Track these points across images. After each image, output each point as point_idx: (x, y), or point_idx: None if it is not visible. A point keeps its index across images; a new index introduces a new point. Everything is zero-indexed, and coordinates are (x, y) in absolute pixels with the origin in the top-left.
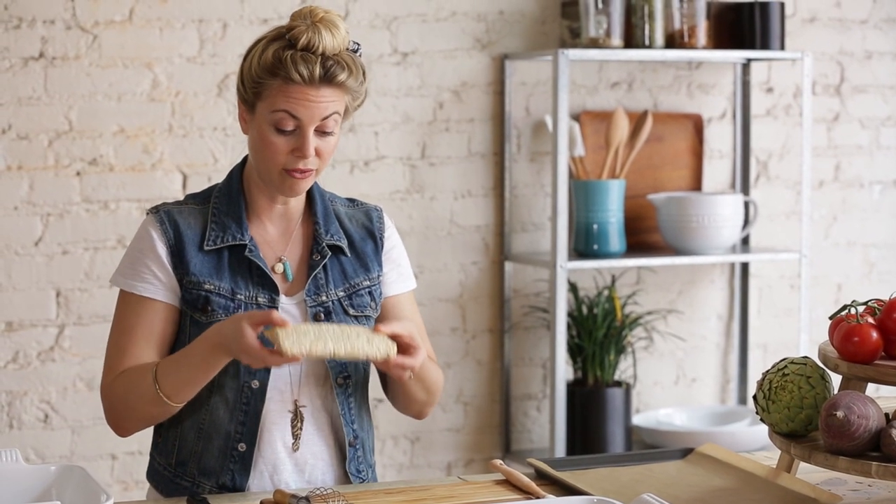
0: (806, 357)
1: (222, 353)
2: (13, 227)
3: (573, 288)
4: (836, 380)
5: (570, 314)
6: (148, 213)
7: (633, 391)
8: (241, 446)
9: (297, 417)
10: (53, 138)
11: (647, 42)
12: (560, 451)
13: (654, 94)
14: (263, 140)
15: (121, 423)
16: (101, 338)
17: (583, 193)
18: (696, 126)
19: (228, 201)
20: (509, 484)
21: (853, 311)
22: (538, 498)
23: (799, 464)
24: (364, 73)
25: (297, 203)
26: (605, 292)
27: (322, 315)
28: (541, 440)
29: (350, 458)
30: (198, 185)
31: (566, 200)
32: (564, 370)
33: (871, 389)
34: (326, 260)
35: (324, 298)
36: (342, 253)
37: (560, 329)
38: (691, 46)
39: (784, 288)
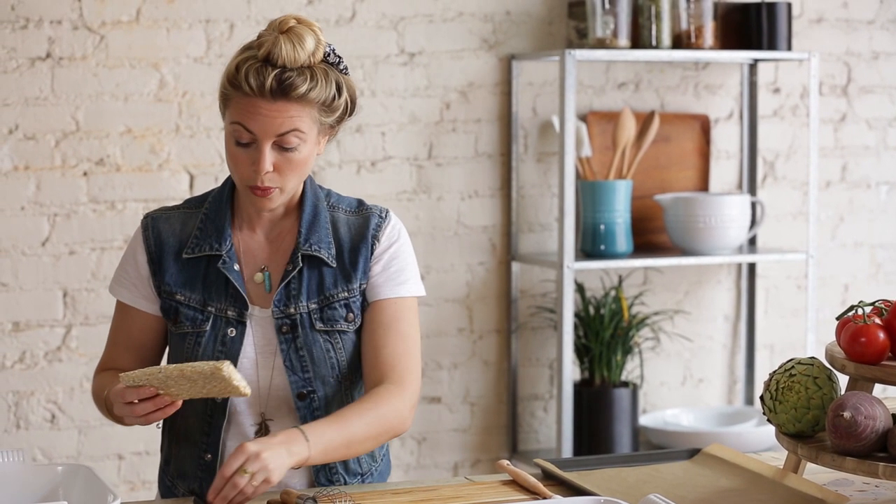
0: (813, 358)
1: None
2: (20, 228)
3: (580, 288)
4: (843, 380)
5: (577, 314)
6: (142, 219)
7: (640, 391)
8: (208, 456)
9: (261, 430)
10: (60, 138)
11: (654, 42)
12: (567, 451)
13: (661, 95)
14: (228, 152)
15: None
16: None
17: (590, 194)
18: (703, 126)
19: (217, 208)
20: (516, 484)
21: (860, 311)
22: (545, 498)
23: (806, 464)
24: (341, 86)
25: (287, 209)
26: (612, 293)
27: (287, 328)
28: (548, 440)
29: (318, 468)
30: (205, 186)
31: (573, 201)
32: (571, 370)
33: (878, 390)
34: (296, 271)
35: (292, 311)
36: (323, 264)
37: (567, 329)
38: (698, 47)
39: (791, 288)
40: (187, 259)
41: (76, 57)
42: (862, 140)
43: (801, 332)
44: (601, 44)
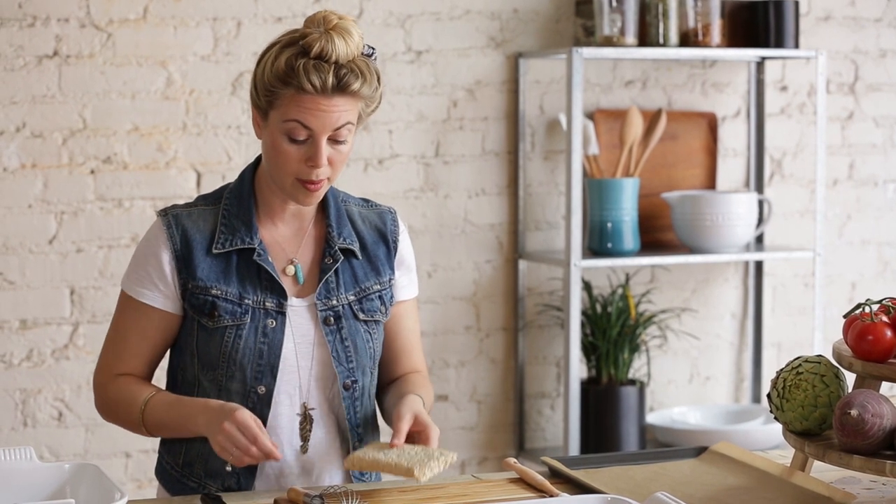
0: (820, 356)
1: (200, 429)
2: (27, 226)
3: (587, 286)
4: (850, 378)
5: (583, 312)
6: (157, 216)
7: (647, 389)
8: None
9: (305, 420)
10: (67, 136)
11: (661, 40)
12: (574, 449)
13: (668, 93)
14: (276, 149)
15: (106, 418)
16: None
17: (597, 192)
18: (711, 124)
19: (239, 203)
20: (523, 482)
21: (867, 309)
22: (552, 496)
23: (813, 462)
24: (379, 79)
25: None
26: (619, 291)
27: (332, 319)
28: (555, 438)
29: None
30: (212, 184)
31: (580, 199)
32: (578, 368)
33: (886, 388)
34: (339, 264)
35: (334, 302)
36: (353, 256)
37: (574, 327)
38: (705, 45)
39: (798, 286)
40: (217, 254)
41: (83, 55)
42: (869, 138)
43: (809, 330)
44: (608, 42)
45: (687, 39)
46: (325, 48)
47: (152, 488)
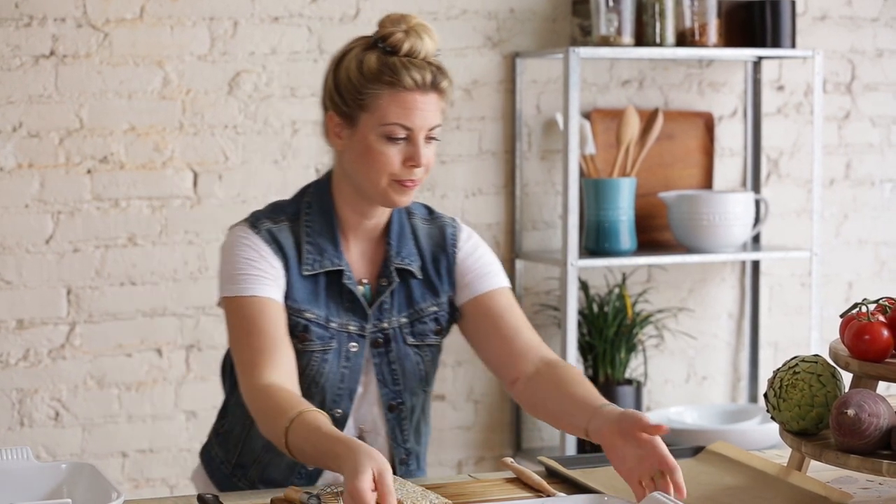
0: (817, 355)
1: (336, 467)
2: (24, 225)
3: (584, 286)
4: (846, 378)
5: (580, 312)
6: (249, 228)
7: (644, 389)
8: (311, 467)
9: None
10: (64, 136)
11: (657, 40)
12: (571, 449)
13: (664, 92)
14: (371, 152)
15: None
16: (112, 336)
17: (593, 191)
18: (707, 124)
19: (322, 220)
20: (520, 482)
21: (864, 309)
22: (549, 496)
23: (810, 462)
24: (451, 79)
25: (381, 220)
26: (616, 290)
27: (381, 341)
28: (551, 438)
29: (402, 473)
30: (208, 183)
31: (577, 198)
32: None
33: (882, 387)
34: (394, 285)
35: (385, 325)
36: (412, 276)
37: (571, 327)
38: (702, 44)
39: (795, 286)
40: (307, 275)
41: (80, 54)
42: (866, 137)
43: (805, 329)
44: (605, 41)
45: (683, 39)
46: (415, 45)
47: (149, 488)
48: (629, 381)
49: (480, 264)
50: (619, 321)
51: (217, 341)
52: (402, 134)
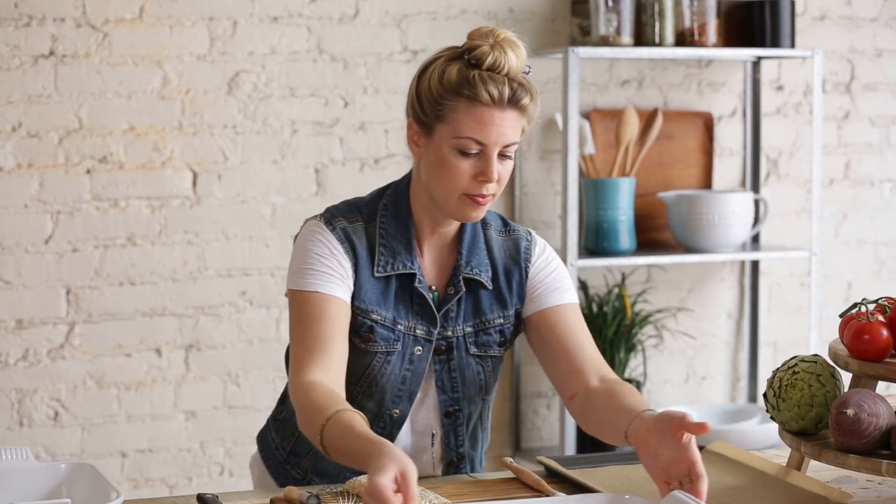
0: (816, 355)
1: (364, 466)
2: (23, 225)
3: (583, 286)
4: (846, 378)
5: None
6: (324, 224)
7: (644, 389)
8: None
9: (433, 444)
10: (63, 136)
11: (657, 40)
12: (570, 448)
13: (664, 92)
14: (444, 164)
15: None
16: (112, 335)
17: (593, 191)
18: (707, 124)
19: (397, 223)
20: (519, 482)
21: (863, 308)
22: (548, 496)
23: (809, 462)
24: (537, 95)
25: (454, 228)
26: (616, 290)
27: (444, 349)
28: (551, 438)
29: (452, 474)
30: (208, 183)
31: (576, 198)
32: None
33: (882, 387)
34: (461, 294)
35: (449, 333)
36: (481, 286)
37: None
38: (701, 44)
39: (794, 286)
40: (378, 277)
41: (79, 54)
42: (865, 137)
43: (805, 329)
44: (604, 41)
45: (683, 39)
46: (499, 59)
47: (149, 487)
48: (629, 381)
49: (552, 279)
50: (618, 321)
51: (216, 341)
52: (474, 149)
